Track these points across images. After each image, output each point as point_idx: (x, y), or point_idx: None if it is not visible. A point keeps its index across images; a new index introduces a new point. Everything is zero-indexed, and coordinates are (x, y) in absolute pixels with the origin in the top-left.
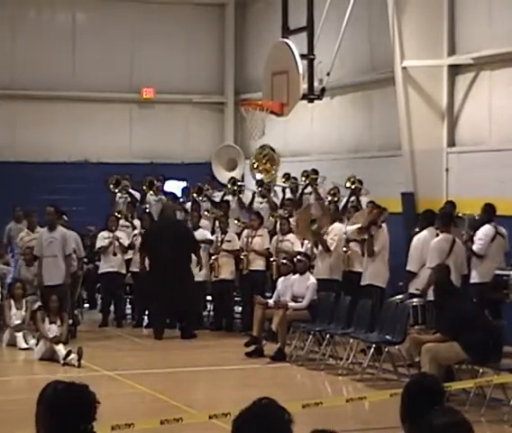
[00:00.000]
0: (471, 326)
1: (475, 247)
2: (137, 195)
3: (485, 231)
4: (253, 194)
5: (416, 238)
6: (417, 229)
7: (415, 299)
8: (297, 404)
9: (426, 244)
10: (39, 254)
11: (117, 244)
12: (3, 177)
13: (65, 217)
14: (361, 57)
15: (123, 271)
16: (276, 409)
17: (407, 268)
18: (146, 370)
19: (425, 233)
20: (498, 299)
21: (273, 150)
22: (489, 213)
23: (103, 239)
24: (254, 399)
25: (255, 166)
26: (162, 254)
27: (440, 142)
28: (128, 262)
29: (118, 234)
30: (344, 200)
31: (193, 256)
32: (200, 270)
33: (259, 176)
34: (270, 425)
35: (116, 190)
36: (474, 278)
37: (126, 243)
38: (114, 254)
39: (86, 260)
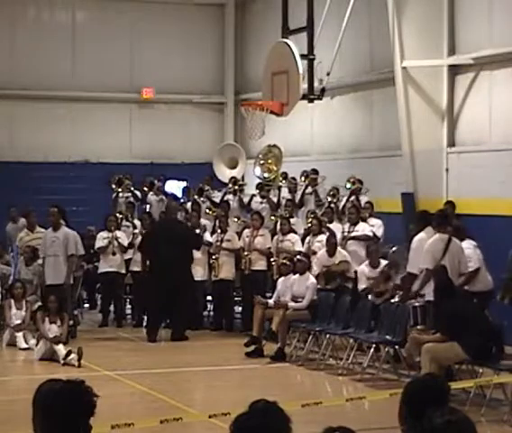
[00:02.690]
0: (471, 325)
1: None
2: (138, 194)
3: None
4: (252, 195)
5: (415, 240)
6: (413, 232)
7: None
8: (297, 404)
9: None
10: (43, 254)
11: (116, 243)
12: (2, 177)
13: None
14: (361, 57)
15: (123, 271)
16: (274, 410)
17: (408, 270)
18: (146, 370)
19: (423, 234)
20: None
21: (279, 149)
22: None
23: (102, 239)
24: (254, 399)
25: (261, 163)
26: (162, 255)
27: (440, 142)
28: (128, 262)
29: (118, 233)
30: (344, 200)
31: (195, 254)
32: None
33: (259, 172)
34: (269, 427)
35: (119, 189)
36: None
37: (126, 242)
38: (114, 254)
39: (83, 262)
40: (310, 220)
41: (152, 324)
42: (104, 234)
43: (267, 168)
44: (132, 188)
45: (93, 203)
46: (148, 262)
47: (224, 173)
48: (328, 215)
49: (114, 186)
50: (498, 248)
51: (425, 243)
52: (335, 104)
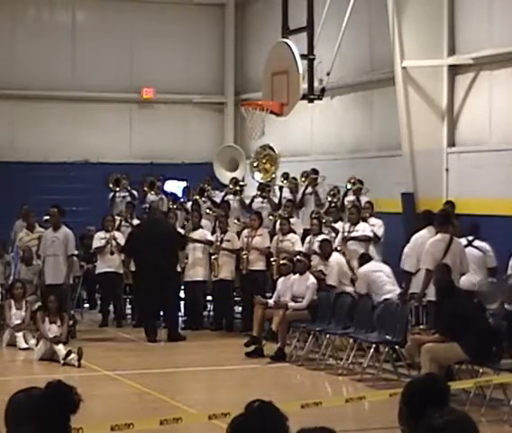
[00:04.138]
0: (471, 325)
1: None
2: (135, 193)
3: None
4: (253, 196)
5: (413, 238)
6: (413, 230)
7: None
8: (297, 404)
9: (423, 244)
10: (42, 254)
11: (114, 243)
12: (3, 177)
13: None
14: (361, 57)
15: (121, 271)
16: (270, 410)
17: (404, 268)
18: (146, 370)
19: (423, 232)
20: None
21: (273, 150)
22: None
23: (99, 240)
24: (252, 400)
25: (255, 165)
26: (147, 256)
27: (440, 142)
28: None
29: (116, 233)
30: (341, 197)
31: (195, 254)
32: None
33: (258, 175)
34: (265, 428)
35: (117, 189)
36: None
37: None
38: (112, 254)
39: (83, 262)
40: (312, 220)
41: (150, 324)
42: (101, 234)
43: (262, 169)
44: (129, 187)
45: (93, 203)
46: (134, 264)
47: (225, 175)
48: (333, 214)
49: (111, 185)
50: (499, 248)
51: (424, 241)
52: (335, 104)
